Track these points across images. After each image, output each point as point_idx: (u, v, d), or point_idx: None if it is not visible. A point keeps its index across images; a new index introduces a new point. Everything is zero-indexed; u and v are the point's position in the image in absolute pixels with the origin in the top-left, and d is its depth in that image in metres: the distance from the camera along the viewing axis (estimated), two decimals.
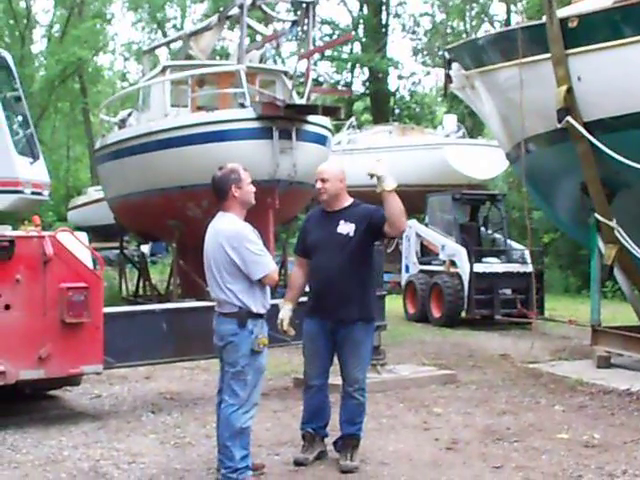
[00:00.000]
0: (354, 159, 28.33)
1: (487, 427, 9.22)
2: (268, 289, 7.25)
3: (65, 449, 8.33)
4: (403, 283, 21.93)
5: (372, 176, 7.44)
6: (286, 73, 19.44)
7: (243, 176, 7.24)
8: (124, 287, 24.01)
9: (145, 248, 38.70)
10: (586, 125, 12.30)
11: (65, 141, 59.28)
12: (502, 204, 21.42)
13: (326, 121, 18.16)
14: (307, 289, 8.01)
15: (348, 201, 7.86)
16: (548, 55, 12.50)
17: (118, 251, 24.96)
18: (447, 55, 16.72)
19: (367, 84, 49.22)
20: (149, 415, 9.79)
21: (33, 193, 11.65)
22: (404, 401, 10.52)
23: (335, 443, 7.96)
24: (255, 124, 16.81)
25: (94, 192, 39.13)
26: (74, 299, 8.98)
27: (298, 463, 7.78)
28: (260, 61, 20.41)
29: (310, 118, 17.20)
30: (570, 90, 12.25)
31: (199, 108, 19.26)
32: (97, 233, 37.42)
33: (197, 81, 19.46)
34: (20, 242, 8.86)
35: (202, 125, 17.33)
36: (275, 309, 7.76)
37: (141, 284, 22.94)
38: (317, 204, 8.22)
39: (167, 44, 26.96)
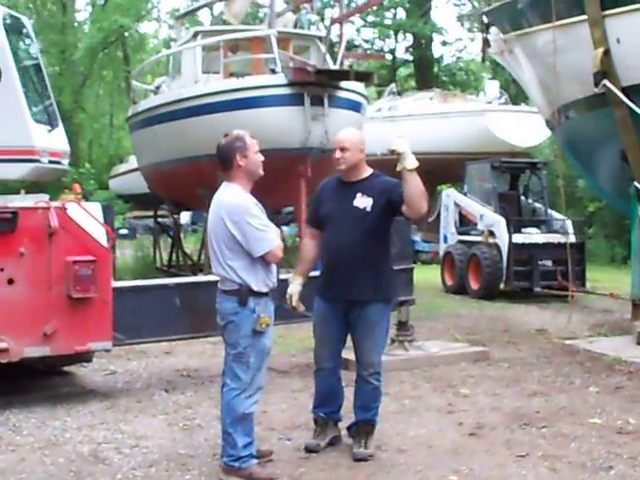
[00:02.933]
0: (394, 126, 27.82)
1: (515, 410, 8.70)
2: (274, 266, 6.77)
3: (68, 431, 7.95)
4: (441, 254, 21.40)
5: (393, 152, 6.91)
6: (321, 38, 18.85)
7: (249, 144, 6.74)
8: (158, 257, 23.72)
9: (186, 217, 38.51)
10: (624, 90, 11.69)
11: (108, 109, 59.06)
12: (543, 172, 20.72)
13: (360, 87, 17.61)
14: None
15: (367, 172, 7.30)
16: (585, 17, 11.91)
17: None
18: (485, 18, 16.12)
19: (411, 50, 48.38)
20: (162, 394, 9.40)
21: (51, 162, 11.21)
22: (430, 380, 10.03)
23: (349, 428, 7.50)
24: (286, 90, 16.31)
25: (135, 160, 38.81)
26: (81, 273, 8.58)
27: (309, 449, 7.31)
28: (295, 26, 19.87)
29: (343, 84, 16.67)
30: (607, 53, 11.64)
31: (232, 75, 18.77)
32: (138, 201, 37.27)
33: (230, 47, 18.98)
34: (24, 214, 8.46)
35: (231, 92, 16.86)
36: (285, 284, 7.31)
37: (175, 254, 22.61)
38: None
39: (198, 9, 26.39)
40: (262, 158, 6.76)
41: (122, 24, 44.57)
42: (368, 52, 41.04)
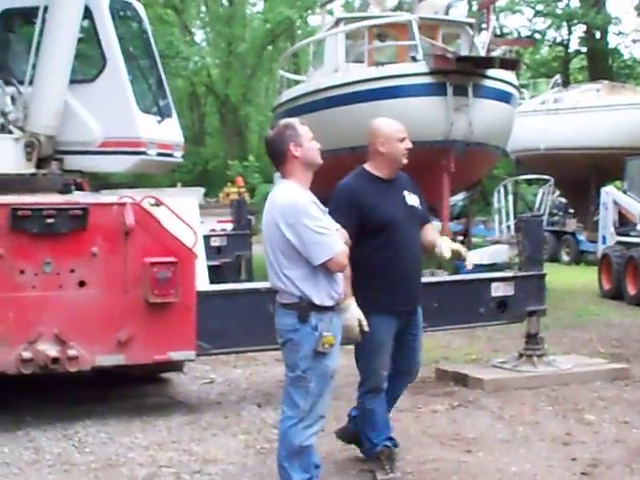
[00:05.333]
0: (559, 119, 26.41)
1: None
2: (339, 275, 5.83)
3: (134, 449, 7.24)
4: (599, 255, 19.92)
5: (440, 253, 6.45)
6: (471, 25, 17.79)
7: (301, 131, 5.79)
8: None
9: None
10: None
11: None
12: None
13: (510, 76, 16.47)
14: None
15: None
16: None
17: None
18: None
19: (583, 41, 46.26)
20: (252, 409, 8.59)
21: (160, 154, 10.55)
22: (554, 403, 8.87)
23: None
24: (427, 79, 15.45)
25: None
26: (160, 276, 7.87)
27: None
28: (446, 13, 18.84)
29: (490, 72, 15.61)
30: None
31: (378, 64, 17.90)
32: None
33: (375, 34, 18.10)
34: (95, 210, 7.81)
35: (370, 81, 16.06)
36: None
37: None
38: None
39: None
40: (318, 145, 5.83)
41: (289, 16, 44.29)
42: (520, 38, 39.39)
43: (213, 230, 17.45)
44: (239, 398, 9.12)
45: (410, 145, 6.46)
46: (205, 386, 9.66)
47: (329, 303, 5.68)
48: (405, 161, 6.47)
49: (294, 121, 5.81)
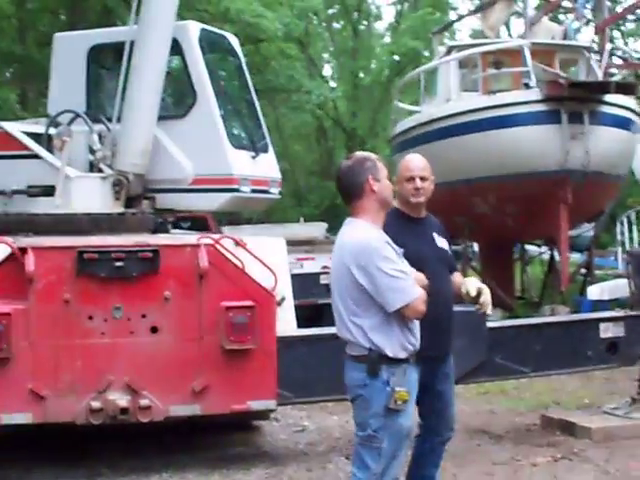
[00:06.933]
0: None
1: None
2: (415, 324, 5.29)
3: None
4: None
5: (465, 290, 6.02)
6: (588, 49, 17.01)
7: (380, 166, 5.36)
8: None
9: None
10: None
11: None
12: None
13: (630, 101, 15.63)
14: None
15: None
16: None
17: None
18: None
19: None
20: (339, 462, 8.07)
21: (254, 191, 10.15)
22: None
23: None
24: (540, 107, 14.83)
25: None
26: (236, 321, 7.43)
27: None
28: (564, 38, 18.09)
29: (608, 98, 14.83)
30: None
31: (491, 92, 17.28)
32: None
33: (488, 61, 17.50)
34: (167, 252, 7.44)
35: (483, 110, 15.45)
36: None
37: None
38: None
39: (452, 23, 24.99)
40: (392, 186, 5.36)
41: (414, 47, 43.80)
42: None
43: (325, 267, 16.99)
44: (328, 449, 8.62)
45: (419, 185, 6.06)
46: (295, 434, 9.21)
47: (402, 355, 5.18)
48: (415, 200, 6.09)
49: (373, 155, 5.42)
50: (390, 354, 5.13)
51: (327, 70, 54.06)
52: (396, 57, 45.35)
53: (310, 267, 14.87)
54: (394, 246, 5.22)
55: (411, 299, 5.10)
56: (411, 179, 6.07)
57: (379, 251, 5.12)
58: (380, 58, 47.69)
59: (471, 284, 6.07)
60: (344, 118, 48.95)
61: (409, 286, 5.13)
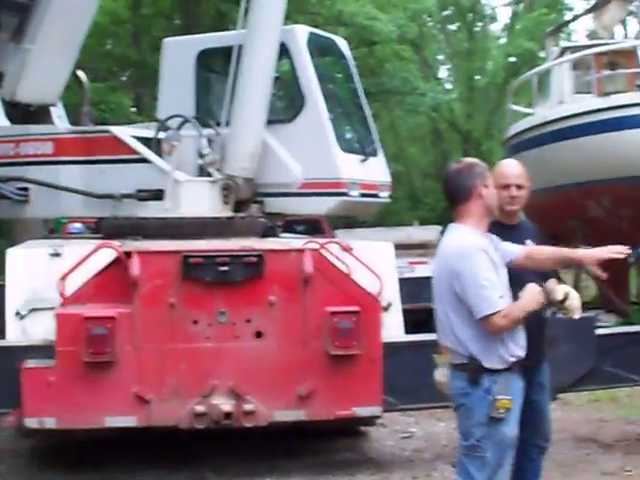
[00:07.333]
0: None
1: None
2: (519, 332, 5.15)
3: None
4: None
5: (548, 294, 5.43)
6: None
7: (488, 174, 5.25)
8: None
9: None
10: None
11: None
12: None
13: None
14: None
15: None
16: None
17: None
18: None
19: None
20: (445, 469, 7.91)
21: (363, 195, 10.09)
22: None
23: None
24: None
25: None
26: (341, 326, 7.35)
27: None
28: None
29: None
30: None
31: (605, 94, 16.89)
32: None
33: (603, 63, 17.09)
34: (271, 257, 7.40)
35: (597, 112, 15.06)
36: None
37: None
38: None
39: (566, 24, 24.43)
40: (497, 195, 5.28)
41: (529, 48, 43.22)
42: None
43: None
44: (434, 456, 8.49)
45: (514, 194, 5.90)
46: (402, 441, 9.10)
47: (500, 366, 5.04)
48: (509, 209, 5.95)
49: (481, 162, 5.30)
50: (487, 365, 5.01)
51: (442, 72, 53.68)
52: (512, 58, 44.78)
53: (422, 271, 14.68)
54: (492, 255, 5.08)
55: (490, 311, 4.93)
56: (507, 187, 5.90)
57: (472, 257, 5.00)
58: (496, 59, 47.13)
59: (559, 288, 5.84)
60: (459, 120, 48.53)
61: (492, 297, 4.95)
